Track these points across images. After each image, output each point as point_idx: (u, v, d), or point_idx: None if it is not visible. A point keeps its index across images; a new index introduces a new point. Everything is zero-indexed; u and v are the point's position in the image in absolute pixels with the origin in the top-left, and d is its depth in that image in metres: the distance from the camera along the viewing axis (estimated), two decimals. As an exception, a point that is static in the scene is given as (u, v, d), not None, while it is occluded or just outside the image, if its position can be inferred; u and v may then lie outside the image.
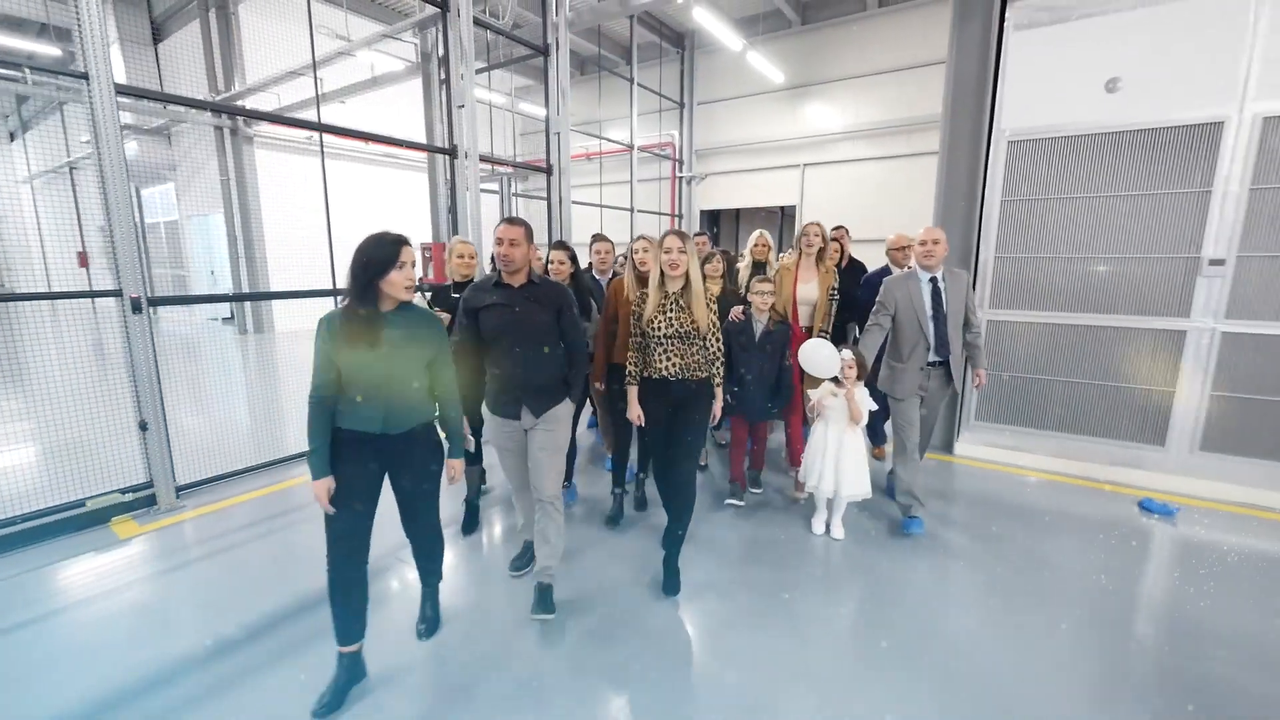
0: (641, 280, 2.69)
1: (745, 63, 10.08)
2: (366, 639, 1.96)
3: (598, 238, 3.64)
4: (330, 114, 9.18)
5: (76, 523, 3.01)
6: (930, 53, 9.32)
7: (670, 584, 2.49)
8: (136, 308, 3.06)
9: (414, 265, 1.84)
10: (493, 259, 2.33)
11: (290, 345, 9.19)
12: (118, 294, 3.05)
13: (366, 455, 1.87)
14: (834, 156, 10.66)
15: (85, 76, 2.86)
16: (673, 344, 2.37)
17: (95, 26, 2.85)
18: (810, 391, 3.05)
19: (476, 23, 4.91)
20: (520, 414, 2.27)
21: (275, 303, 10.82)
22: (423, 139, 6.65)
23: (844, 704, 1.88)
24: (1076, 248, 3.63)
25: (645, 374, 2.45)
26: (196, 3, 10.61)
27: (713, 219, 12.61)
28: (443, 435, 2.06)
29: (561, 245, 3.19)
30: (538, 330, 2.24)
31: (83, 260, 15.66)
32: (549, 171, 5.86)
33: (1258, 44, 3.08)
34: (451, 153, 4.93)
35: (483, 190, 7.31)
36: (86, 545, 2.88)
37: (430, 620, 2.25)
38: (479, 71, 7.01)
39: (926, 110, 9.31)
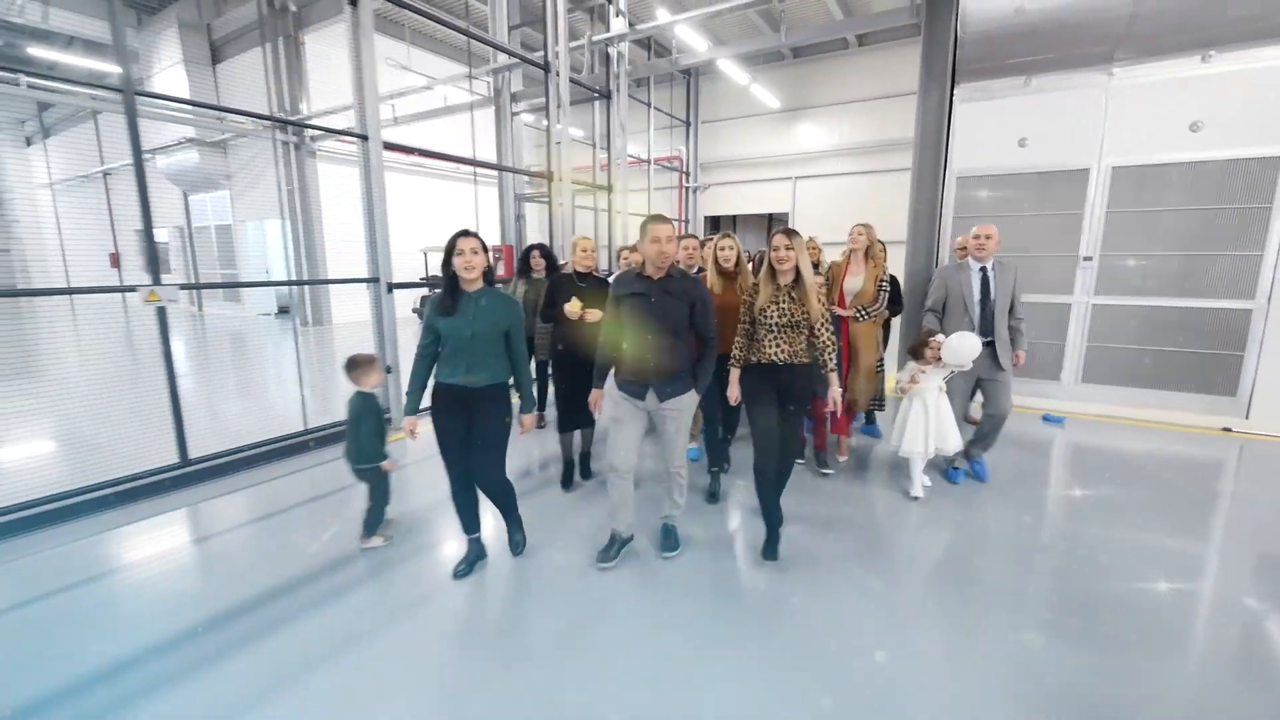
0: (722, 274, 3.25)
1: (743, 89, 11.79)
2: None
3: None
4: (398, 134, 10.60)
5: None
6: (901, 85, 11.14)
7: (771, 550, 2.71)
8: (390, 289, 4.57)
9: (474, 254, 2.35)
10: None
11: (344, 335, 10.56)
12: (375, 280, 4.55)
13: (455, 401, 2.46)
14: (821, 170, 12.46)
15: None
16: (784, 332, 2.60)
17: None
18: (897, 374, 3.49)
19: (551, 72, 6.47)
20: (645, 395, 2.51)
21: (333, 298, 12.13)
22: (490, 158, 8.19)
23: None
24: (1004, 249, 5.39)
25: (754, 359, 2.68)
26: (258, 31, 11.87)
27: (715, 224, 14.32)
28: (517, 397, 2.56)
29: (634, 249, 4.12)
30: (670, 320, 2.45)
31: (114, 260, 16.61)
32: (610, 189, 7.45)
33: (1107, 121, 4.86)
34: (550, 177, 6.48)
35: (534, 200, 8.85)
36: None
37: (518, 543, 2.81)
38: (537, 109, 8.56)
39: (899, 134, 11.14)
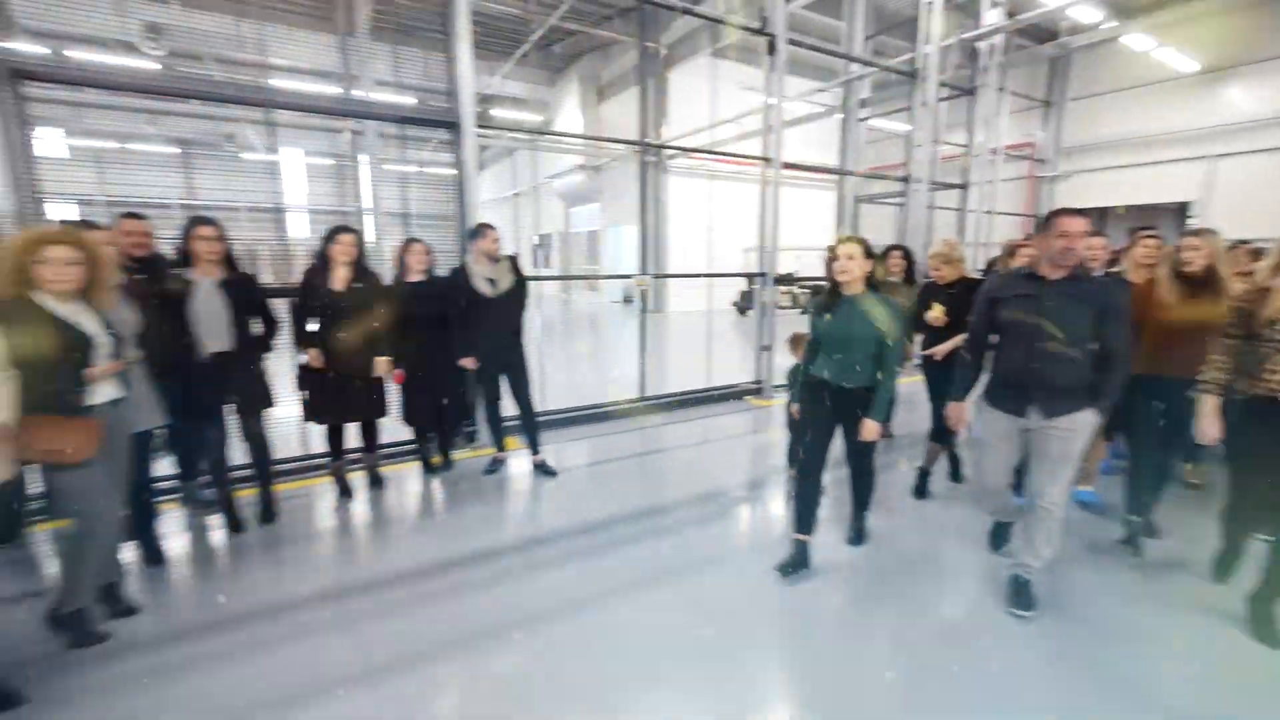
0: (1183, 280, 2.56)
1: (1134, 53, 9.78)
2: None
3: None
4: (750, 148, 12.12)
5: (736, 394, 5.70)
6: None
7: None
8: (775, 282, 5.58)
9: (849, 259, 2.38)
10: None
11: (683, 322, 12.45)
12: (762, 275, 5.60)
13: (821, 396, 2.55)
14: (1255, 145, 9.57)
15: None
16: None
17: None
18: None
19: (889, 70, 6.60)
20: (1025, 411, 2.21)
21: (670, 290, 14.52)
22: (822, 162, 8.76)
23: None
24: None
25: (1254, 389, 2.13)
26: (633, 74, 14.83)
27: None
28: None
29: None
30: (1067, 327, 2.11)
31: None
32: (963, 186, 7.30)
33: None
34: (906, 179, 6.75)
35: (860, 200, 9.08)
36: (738, 408, 5.50)
37: (856, 534, 2.89)
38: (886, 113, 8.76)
39: None
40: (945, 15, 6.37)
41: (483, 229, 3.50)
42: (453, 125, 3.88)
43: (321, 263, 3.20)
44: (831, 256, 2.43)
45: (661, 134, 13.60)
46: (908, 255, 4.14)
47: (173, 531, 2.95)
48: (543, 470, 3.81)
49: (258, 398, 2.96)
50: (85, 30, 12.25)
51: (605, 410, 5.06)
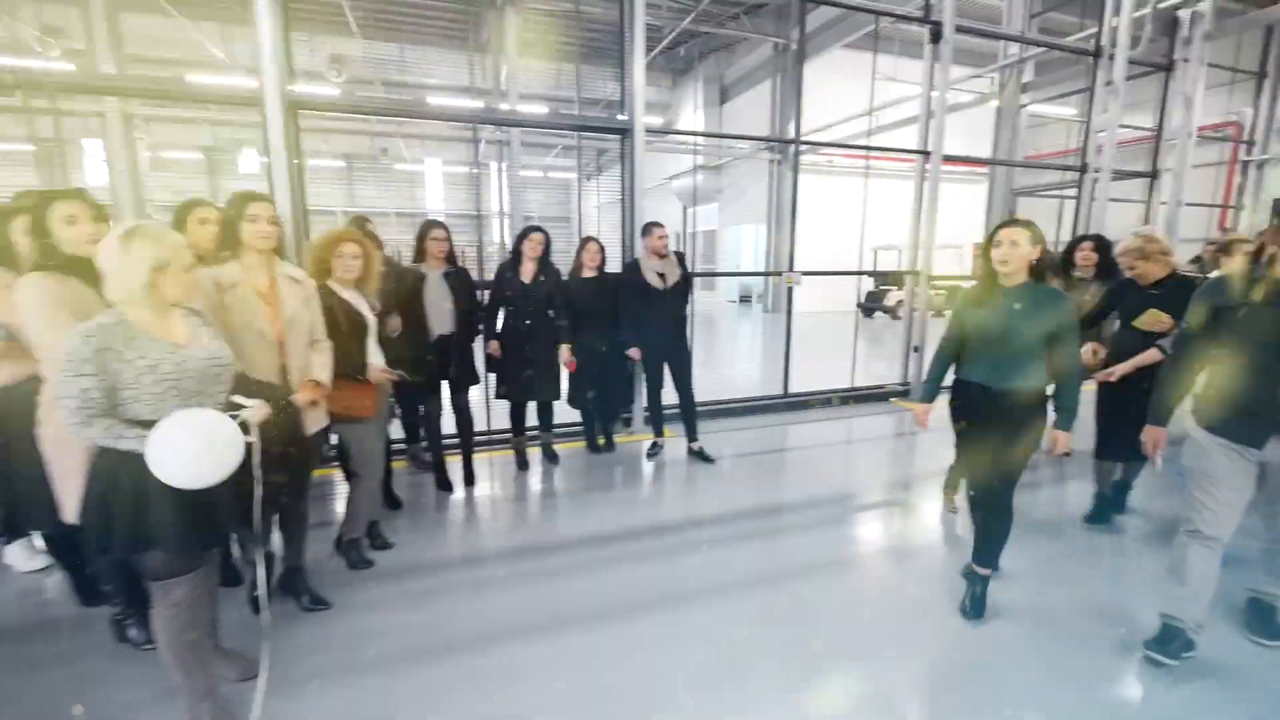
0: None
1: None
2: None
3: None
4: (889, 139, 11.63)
5: (881, 395, 5.53)
6: None
7: None
8: (928, 280, 5.35)
9: (1012, 246, 2.08)
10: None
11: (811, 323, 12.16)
12: (914, 274, 5.38)
13: (974, 401, 2.26)
14: None
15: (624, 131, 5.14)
16: None
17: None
18: None
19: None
20: (1265, 444, 1.91)
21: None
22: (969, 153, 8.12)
23: None
24: None
25: None
26: (760, 71, 14.72)
27: (1288, 208, 10.35)
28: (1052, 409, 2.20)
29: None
30: None
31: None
32: (1153, 175, 6.48)
33: None
34: (1082, 168, 6.13)
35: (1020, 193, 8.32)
36: (885, 409, 5.32)
37: (973, 604, 2.29)
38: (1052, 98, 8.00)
39: None
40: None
41: (651, 227, 3.74)
42: (625, 132, 4.17)
43: (514, 258, 3.60)
44: (990, 243, 2.18)
45: (792, 131, 13.37)
46: (1101, 247, 3.58)
47: (400, 485, 3.48)
48: (700, 457, 3.99)
49: (468, 376, 3.41)
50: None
51: (750, 404, 5.15)
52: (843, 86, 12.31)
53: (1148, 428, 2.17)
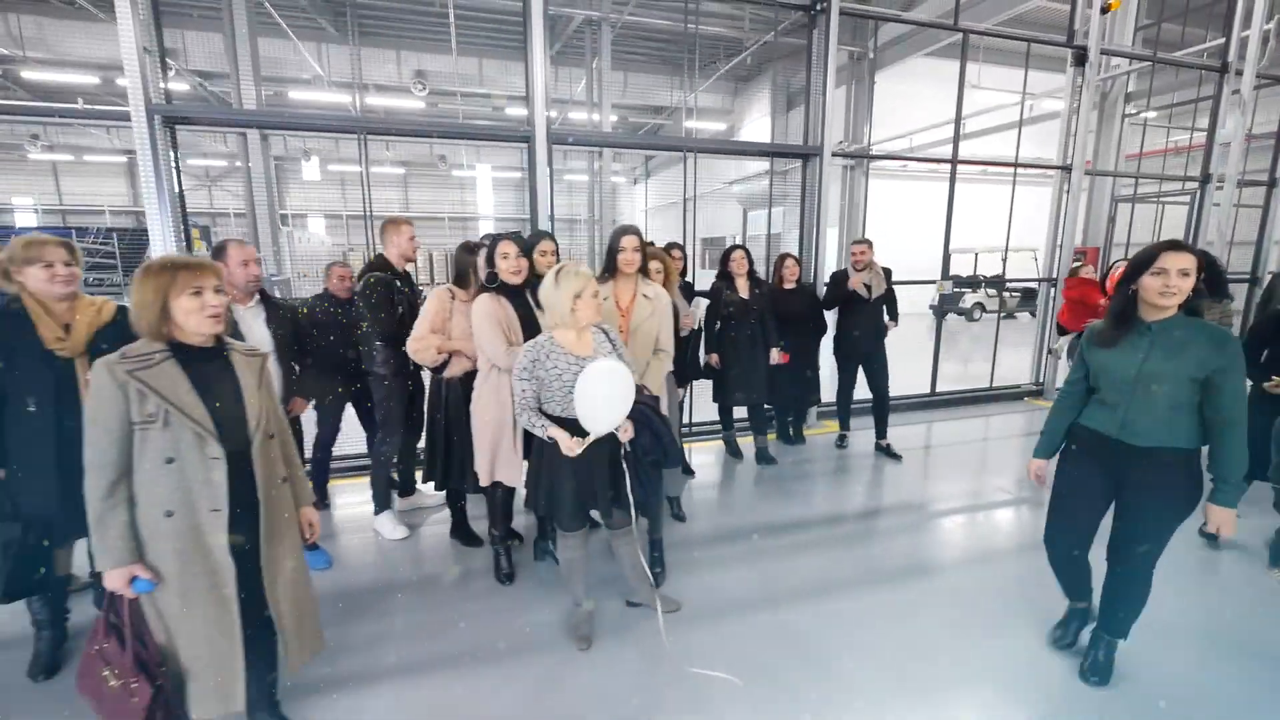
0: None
1: None
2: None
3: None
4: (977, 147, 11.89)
5: (1017, 395, 5.90)
6: None
7: None
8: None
9: (1183, 276, 1.69)
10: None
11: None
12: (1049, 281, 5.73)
13: (1098, 455, 1.89)
14: None
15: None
16: None
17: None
18: None
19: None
20: None
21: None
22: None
23: None
24: None
25: None
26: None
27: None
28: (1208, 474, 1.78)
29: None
30: None
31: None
32: (1271, 184, 6.71)
33: None
34: (1205, 179, 6.39)
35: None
36: (1018, 408, 5.67)
37: (1094, 668, 2.05)
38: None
39: None
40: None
41: (855, 244, 4.15)
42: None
43: (725, 276, 4.00)
44: (1141, 266, 1.76)
45: (866, 137, 13.69)
46: (1207, 264, 3.13)
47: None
48: (887, 453, 4.40)
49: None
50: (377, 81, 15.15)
51: (904, 401, 5.55)
52: (921, 93, 12.60)
53: None
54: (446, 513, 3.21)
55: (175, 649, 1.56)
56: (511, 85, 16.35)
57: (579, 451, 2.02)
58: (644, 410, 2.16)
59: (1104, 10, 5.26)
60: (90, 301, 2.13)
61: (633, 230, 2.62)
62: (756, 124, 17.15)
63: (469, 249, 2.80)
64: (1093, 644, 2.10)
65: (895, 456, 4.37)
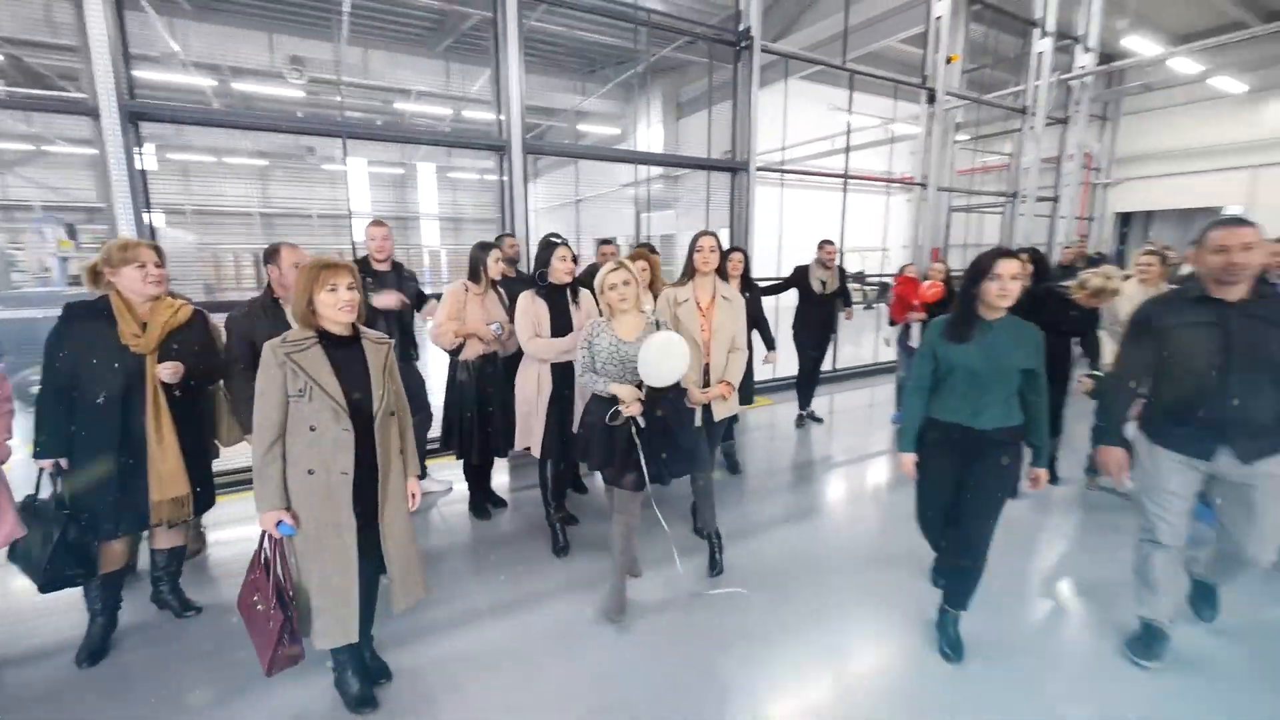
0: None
1: (1177, 72, 11.20)
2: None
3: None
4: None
5: (887, 370, 7.22)
6: None
7: None
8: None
9: (1013, 280, 1.95)
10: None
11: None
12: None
13: (952, 443, 2.12)
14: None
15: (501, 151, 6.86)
16: None
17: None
18: None
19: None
20: (1214, 454, 1.97)
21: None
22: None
23: None
24: None
25: None
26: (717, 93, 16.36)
27: (1125, 220, 13.72)
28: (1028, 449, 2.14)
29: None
30: (1264, 356, 1.87)
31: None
32: (1055, 199, 8.78)
33: None
34: (1014, 195, 8.22)
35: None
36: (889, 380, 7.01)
37: (951, 645, 2.23)
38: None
39: None
40: (1049, 57, 7.86)
41: (823, 244, 4.87)
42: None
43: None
44: (980, 274, 2.01)
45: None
46: (1036, 259, 3.77)
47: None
48: (812, 418, 5.31)
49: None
50: (246, 64, 13.89)
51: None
52: (799, 112, 14.21)
53: (1101, 448, 2.23)
54: (455, 493, 3.54)
55: (305, 586, 1.84)
56: (399, 79, 15.74)
57: (633, 404, 2.27)
58: (669, 408, 2.40)
59: (948, 61, 6.67)
60: (170, 303, 2.24)
61: (711, 233, 2.77)
62: (652, 131, 18.15)
63: (483, 247, 3.19)
64: (941, 624, 2.30)
65: (818, 420, 5.31)
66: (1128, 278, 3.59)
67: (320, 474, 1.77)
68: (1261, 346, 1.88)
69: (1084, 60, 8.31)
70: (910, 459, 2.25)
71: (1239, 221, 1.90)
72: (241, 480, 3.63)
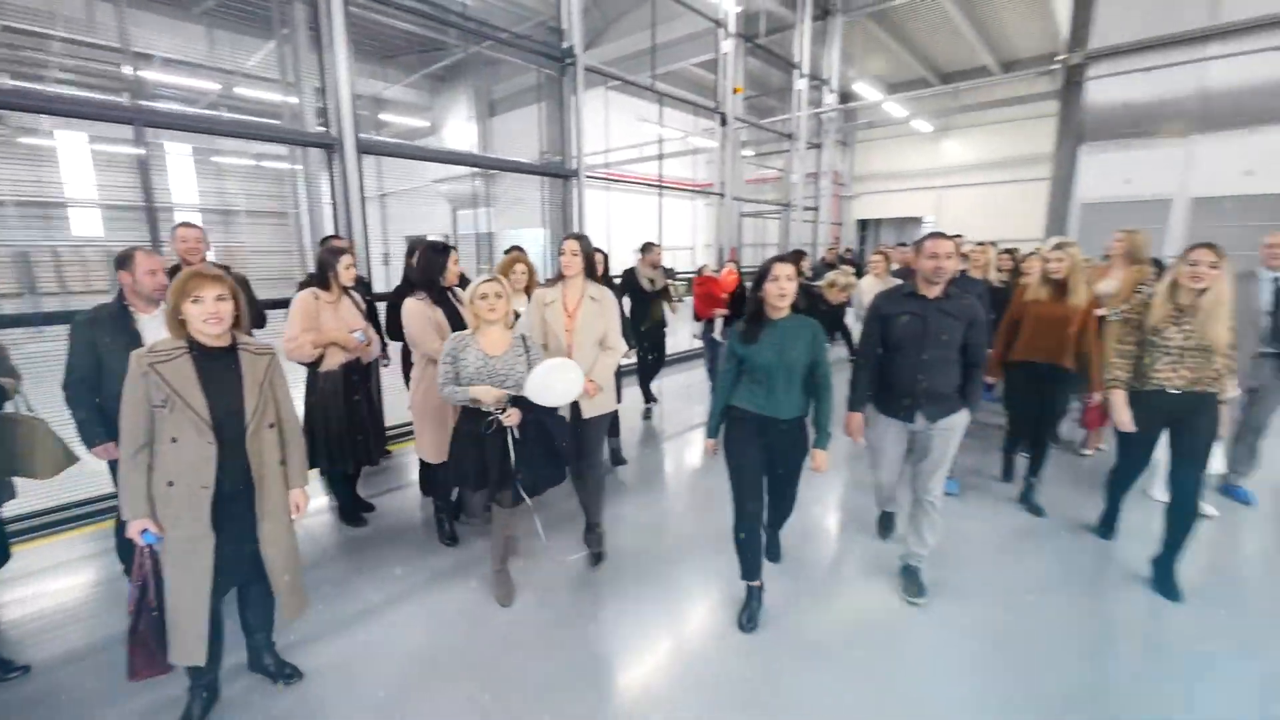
0: (1050, 285, 3.22)
1: (890, 113, 14.64)
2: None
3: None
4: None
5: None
6: (1032, 110, 13.47)
7: (1168, 588, 2.63)
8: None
9: (789, 280, 2.24)
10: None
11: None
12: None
13: (753, 430, 2.39)
14: (963, 181, 15.07)
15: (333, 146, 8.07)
16: (1189, 356, 2.49)
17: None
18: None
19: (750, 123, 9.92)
20: (914, 418, 2.48)
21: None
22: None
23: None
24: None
25: (1139, 385, 2.61)
26: (530, 95, 16.52)
27: (863, 225, 17.35)
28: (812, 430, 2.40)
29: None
30: (946, 341, 2.39)
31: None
32: (816, 209, 10.89)
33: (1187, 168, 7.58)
34: (787, 205, 10.02)
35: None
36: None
37: (750, 617, 2.48)
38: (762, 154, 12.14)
39: (1029, 150, 13.51)
40: (806, 93, 9.76)
41: (649, 246, 5.28)
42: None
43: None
44: (764, 276, 2.28)
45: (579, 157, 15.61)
46: (798, 259, 5.49)
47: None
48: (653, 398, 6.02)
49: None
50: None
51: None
52: (613, 121, 15.11)
53: (849, 414, 2.64)
54: (320, 505, 3.51)
55: (164, 599, 1.82)
56: (144, 42, 12.93)
57: (494, 401, 2.35)
58: (539, 417, 2.47)
59: (735, 91, 7.94)
60: None
61: (574, 236, 2.82)
62: (463, 127, 17.59)
63: (333, 252, 3.08)
64: (748, 600, 2.53)
65: (655, 400, 6.03)
66: (864, 274, 4.83)
67: (180, 486, 1.75)
68: (946, 333, 2.40)
69: (829, 99, 10.45)
70: (712, 443, 2.53)
71: (944, 235, 2.41)
72: (44, 525, 3.09)
